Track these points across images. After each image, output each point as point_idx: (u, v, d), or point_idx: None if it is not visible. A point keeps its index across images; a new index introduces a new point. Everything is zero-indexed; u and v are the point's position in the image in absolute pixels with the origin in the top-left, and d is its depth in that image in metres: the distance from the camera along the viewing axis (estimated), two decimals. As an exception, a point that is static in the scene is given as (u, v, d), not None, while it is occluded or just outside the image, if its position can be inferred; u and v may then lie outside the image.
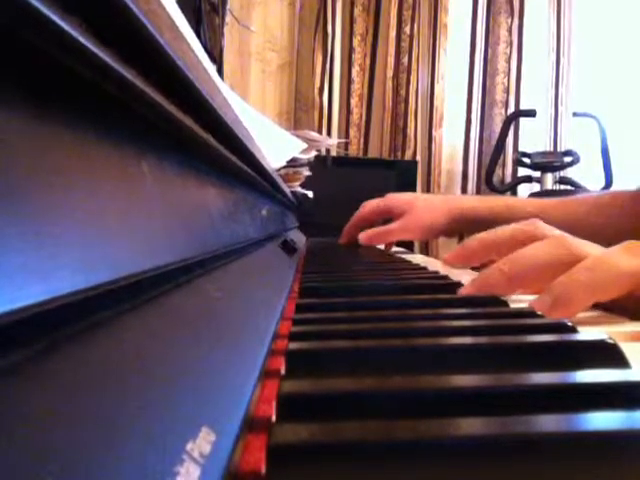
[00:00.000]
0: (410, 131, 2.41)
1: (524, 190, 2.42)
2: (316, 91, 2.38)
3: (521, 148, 2.44)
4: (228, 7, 1.36)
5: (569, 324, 0.27)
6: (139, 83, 0.15)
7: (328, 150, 2.06)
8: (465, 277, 0.45)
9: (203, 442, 0.12)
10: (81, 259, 0.12)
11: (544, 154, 2.36)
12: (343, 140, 2.37)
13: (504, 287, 0.38)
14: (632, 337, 0.30)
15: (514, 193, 2.44)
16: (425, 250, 2.34)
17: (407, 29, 2.43)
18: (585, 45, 2.50)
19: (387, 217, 0.92)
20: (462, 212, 0.86)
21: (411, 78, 2.42)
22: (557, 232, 0.44)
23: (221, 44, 1.30)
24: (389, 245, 0.97)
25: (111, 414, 0.10)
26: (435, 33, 2.44)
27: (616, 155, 2.36)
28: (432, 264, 0.65)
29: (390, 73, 2.43)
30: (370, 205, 0.94)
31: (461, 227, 0.88)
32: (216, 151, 0.28)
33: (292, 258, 0.60)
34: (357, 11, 2.44)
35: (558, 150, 2.44)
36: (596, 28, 2.50)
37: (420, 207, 0.88)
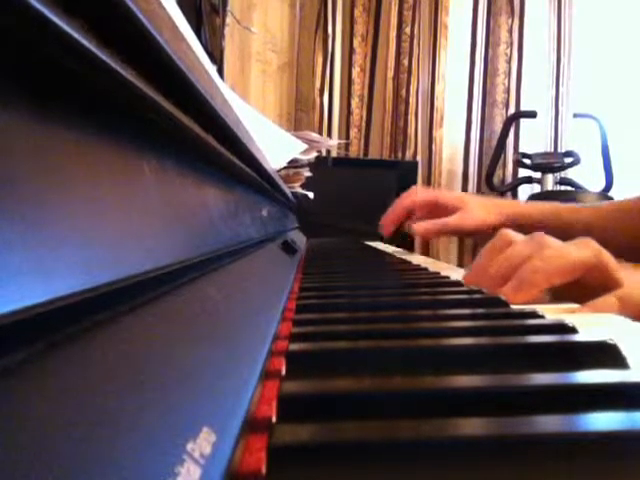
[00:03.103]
0: (411, 131, 2.41)
1: (525, 191, 2.42)
2: (316, 92, 2.38)
3: (521, 149, 2.44)
4: (228, 8, 1.36)
5: (569, 325, 0.27)
6: (139, 83, 0.15)
7: (329, 151, 2.06)
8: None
9: (204, 442, 0.12)
10: (82, 260, 0.12)
11: (544, 155, 2.35)
12: (343, 141, 2.36)
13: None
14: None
15: (515, 194, 2.44)
16: (425, 251, 2.34)
17: (407, 30, 2.43)
18: (585, 45, 2.50)
19: (433, 211, 0.90)
20: (516, 216, 0.86)
21: (411, 79, 2.42)
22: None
23: (221, 45, 1.30)
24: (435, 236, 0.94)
25: (112, 414, 0.10)
26: (435, 34, 2.44)
27: (617, 156, 2.36)
28: (432, 265, 0.65)
29: (390, 74, 2.43)
30: (420, 197, 0.92)
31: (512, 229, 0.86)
32: (216, 152, 0.28)
33: (292, 259, 0.60)
34: (357, 12, 2.44)
35: (558, 151, 2.44)
36: (596, 28, 2.50)
37: (474, 205, 0.88)
